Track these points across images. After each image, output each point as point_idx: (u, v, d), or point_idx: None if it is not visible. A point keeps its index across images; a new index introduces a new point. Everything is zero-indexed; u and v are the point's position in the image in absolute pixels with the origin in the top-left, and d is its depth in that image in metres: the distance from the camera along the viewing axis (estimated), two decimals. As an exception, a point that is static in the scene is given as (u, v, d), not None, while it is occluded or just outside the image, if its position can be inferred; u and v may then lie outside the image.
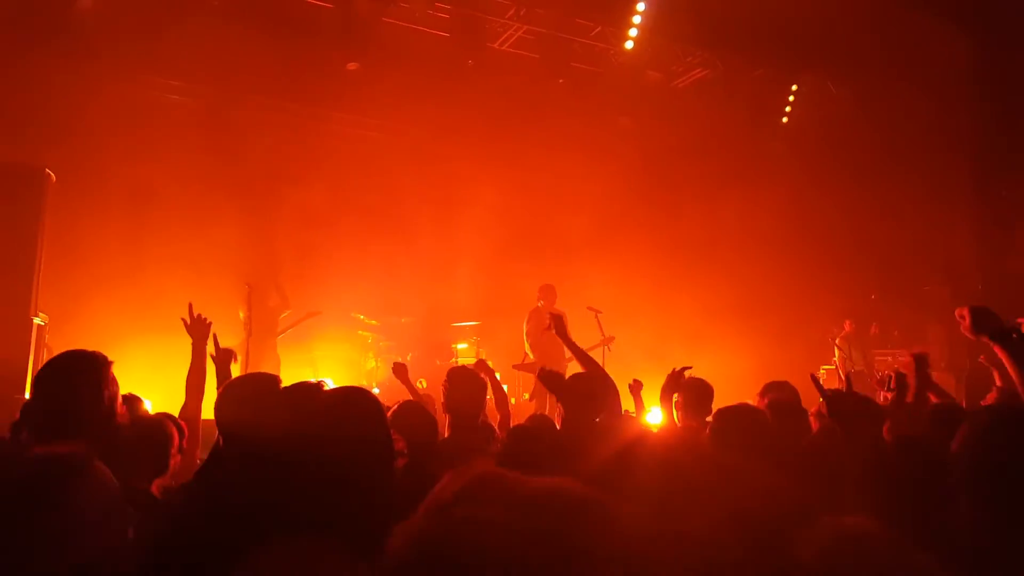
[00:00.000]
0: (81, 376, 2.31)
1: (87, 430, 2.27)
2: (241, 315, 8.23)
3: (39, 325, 6.61)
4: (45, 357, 6.59)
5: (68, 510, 1.80)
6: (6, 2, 7.88)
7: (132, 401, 3.60)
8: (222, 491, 2.34)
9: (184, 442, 3.21)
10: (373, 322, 9.71)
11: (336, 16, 9.45)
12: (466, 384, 3.68)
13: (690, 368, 4.26)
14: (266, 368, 7.68)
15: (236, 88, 9.70)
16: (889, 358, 10.96)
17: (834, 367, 10.91)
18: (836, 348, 10.94)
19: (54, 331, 6.88)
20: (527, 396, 8.92)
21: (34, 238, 6.65)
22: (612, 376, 4.62)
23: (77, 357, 2.40)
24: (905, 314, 11.83)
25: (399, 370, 4.92)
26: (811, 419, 4.09)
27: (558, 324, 4.46)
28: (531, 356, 8.93)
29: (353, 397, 1.91)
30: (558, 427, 3.99)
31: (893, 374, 4.10)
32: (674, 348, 9.67)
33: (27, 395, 5.55)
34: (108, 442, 2.34)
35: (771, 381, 4.35)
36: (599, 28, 10.70)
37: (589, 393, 3.95)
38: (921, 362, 3.97)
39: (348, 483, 1.68)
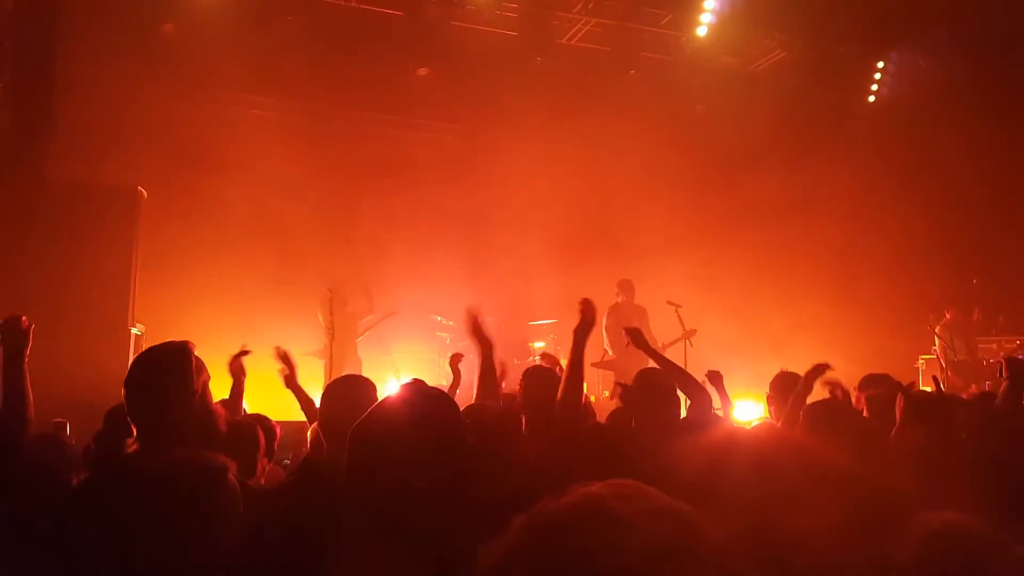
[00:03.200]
0: (167, 373, 2.30)
1: (184, 426, 2.29)
2: (321, 320, 8.43)
3: (136, 335, 6.94)
4: (143, 366, 6.90)
5: (208, 517, 1.82)
6: (97, 30, 8.28)
7: (229, 407, 3.70)
8: (320, 495, 2.36)
9: (275, 445, 3.28)
10: (450, 323, 9.77)
11: (406, 23, 9.57)
12: (545, 383, 3.58)
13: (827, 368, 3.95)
14: (348, 370, 7.86)
15: (315, 99, 9.95)
16: (994, 345, 10.28)
17: (934, 356, 10.32)
18: (936, 337, 10.35)
19: (150, 340, 7.18)
20: (607, 394, 8.80)
21: (129, 252, 7.00)
22: (697, 370, 4.47)
23: (160, 353, 2.39)
24: (1010, 298, 11.10)
25: (455, 360, 4.90)
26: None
27: (636, 337, 4.26)
28: (611, 353, 8.81)
29: (428, 393, 1.85)
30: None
31: (1004, 361, 3.85)
32: (761, 341, 9.36)
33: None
34: (208, 437, 2.35)
35: (869, 374, 4.13)
36: (669, 16, 10.45)
37: (663, 390, 3.79)
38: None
39: (413, 479, 1.61)
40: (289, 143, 9.76)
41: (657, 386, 3.69)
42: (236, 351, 3.99)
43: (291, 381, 4.04)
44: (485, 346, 3.58)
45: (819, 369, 3.85)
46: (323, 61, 9.60)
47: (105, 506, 1.89)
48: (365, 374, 7.65)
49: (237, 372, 3.94)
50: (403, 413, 1.73)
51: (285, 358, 4.07)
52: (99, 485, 2.18)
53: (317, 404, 3.84)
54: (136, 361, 2.41)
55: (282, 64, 9.45)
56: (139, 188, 7.31)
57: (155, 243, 7.77)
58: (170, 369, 2.30)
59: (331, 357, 7.51)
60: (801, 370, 4.28)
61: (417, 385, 1.89)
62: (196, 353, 2.38)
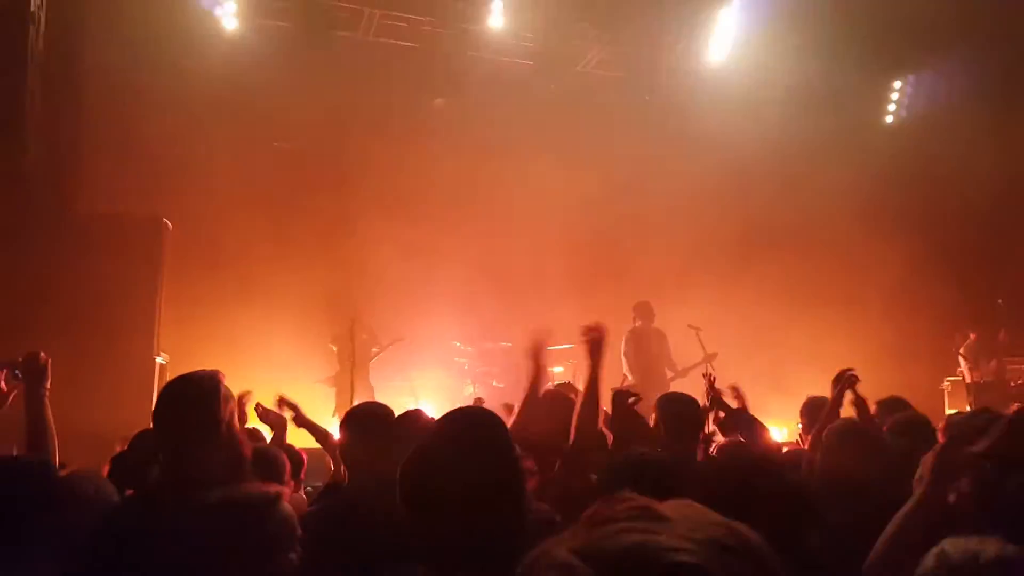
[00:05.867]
0: (196, 398, 2.31)
1: (211, 457, 2.30)
2: (334, 348, 8.66)
3: (161, 364, 7.04)
4: (168, 396, 6.98)
5: (261, 548, 1.84)
6: (125, 64, 8.51)
7: (252, 435, 3.73)
8: (346, 519, 2.37)
9: (302, 473, 3.31)
10: (469, 348, 9.80)
11: (422, 55, 9.77)
12: (553, 411, 3.53)
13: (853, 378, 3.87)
14: (362, 397, 7.94)
15: (335, 132, 10.04)
16: (1021, 366, 10.12)
17: (960, 379, 10.17)
18: (961, 358, 10.21)
19: (175, 369, 7.28)
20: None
21: (154, 282, 7.13)
22: (719, 393, 4.46)
23: (188, 383, 2.40)
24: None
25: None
26: (939, 435, 3.82)
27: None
28: (630, 378, 8.77)
29: (475, 420, 1.82)
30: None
31: None
32: (783, 365, 9.28)
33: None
34: (234, 467, 2.37)
35: (883, 399, 4.08)
36: (683, 43, 10.57)
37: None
38: None
39: (474, 511, 1.59)
40: (310, 175, 9.94)
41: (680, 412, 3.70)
42: (257, 402, 3.95)
43: (301, 420, 3.99)
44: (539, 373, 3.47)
45: (847, 380, 3.76)
46: (342, 94, 9.78)
47: (149, 545, 1.91)
48: (384, 399, 7.72)
49: (277, 422, 3.88)
50: (455, 448, 1.70)
51: (285, 404, 4.01)
52: (134, 522, 2.18)
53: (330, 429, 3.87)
54: (164, 391, 2.43)
55: (302, 97, 9.63)
56: (164, 220, 7.46)
57: (180, 273, 7.90)
58: (198, 399, 2.30)
59: (352, 385, 7.58)
60: (826, 391, 4.25)
61: (464, 412, 1.88)
62: (225, 383, 2.42)
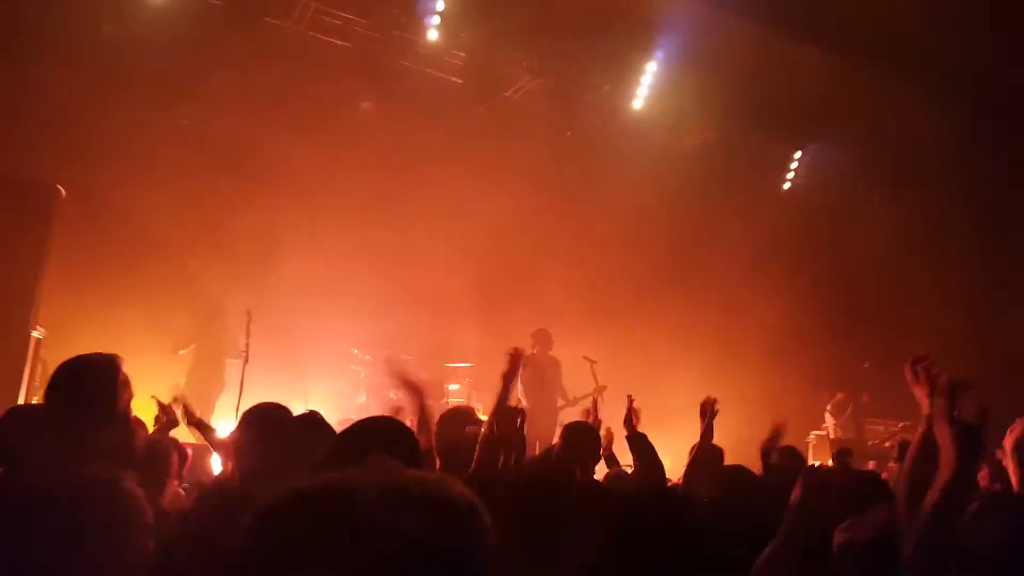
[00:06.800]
0: (95, 380, 2.24)
1: (104, 437, 2.23)
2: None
3: (36, 339, 6.61)
4: (40, 371, 6.56)
5: (97, 538, 1.77)
6: (28, 22, 8.02)
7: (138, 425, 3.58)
8: (231, 521, 2.34)
9: (184, 469, 3.21)
10: (367, 357, 9.69)
11: (354, 56, 9.69)
12: (464, 423, 3.62)
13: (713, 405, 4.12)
14: (218, 390, 7.80)
15: (248, 119, 9.75)
16: (880, 427, 10.94)
17: (824, 434, 10.87)
18: (827, 415, 10.93)
19: (52, 346, 6.85)
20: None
21: (39, 251, 6.68)
22: (608, 425, 4.67)
23: (87, 364, 2.32)
24: (897, 384, 11.80)
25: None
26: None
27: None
28: (524, 402, 8.90)
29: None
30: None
31: (898, 445, 4.13)
32: (670, 402, 9.65)
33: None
34: (126, 451, 2.29)
35: (782, 447, 4.39)
36: (608, 86, 10.96)
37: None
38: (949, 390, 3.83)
39: None
40: (217, 159, 9.57)
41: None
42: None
43: (192, 419, 3.97)
44: (416, 395, 3.62)
45: (710, 412, 4.05)
46: (263, 82, 9.53)
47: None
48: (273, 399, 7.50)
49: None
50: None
51: (181, 403, 3.91)
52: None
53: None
54: (62, 369, 2.34)
55: (219, 78, 9.30)
56: (58, 186, 7.02)
57: (69, 245, 7.45)
58: (97, 382, 2.24)
59: (242, 380, 7.36)
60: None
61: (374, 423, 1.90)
62: (124, 369, 2.35)
